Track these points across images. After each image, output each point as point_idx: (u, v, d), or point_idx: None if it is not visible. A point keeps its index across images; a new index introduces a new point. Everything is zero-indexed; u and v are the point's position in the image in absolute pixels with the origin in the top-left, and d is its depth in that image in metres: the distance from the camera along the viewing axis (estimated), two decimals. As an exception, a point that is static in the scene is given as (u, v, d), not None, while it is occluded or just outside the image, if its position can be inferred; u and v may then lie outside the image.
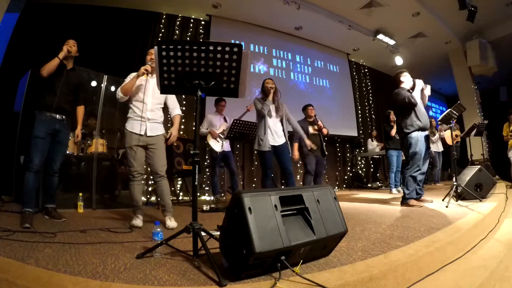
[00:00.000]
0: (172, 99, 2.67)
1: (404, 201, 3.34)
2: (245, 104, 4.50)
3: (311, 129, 4.19)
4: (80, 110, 2.85)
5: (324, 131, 4.23)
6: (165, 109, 2.69)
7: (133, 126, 2.44)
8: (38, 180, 2.54)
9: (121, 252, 1.61)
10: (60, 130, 2.65)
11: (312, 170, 4.10)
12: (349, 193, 6.02)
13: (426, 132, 3.39)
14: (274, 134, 3.21)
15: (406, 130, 3.32)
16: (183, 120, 5.50)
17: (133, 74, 2.54)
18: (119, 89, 2.46)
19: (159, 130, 2.53)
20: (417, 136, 3.27)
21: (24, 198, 2.42)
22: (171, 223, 2.40)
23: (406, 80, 3.47)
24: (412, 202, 3.26)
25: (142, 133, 2.42)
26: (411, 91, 3.36)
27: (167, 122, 3.40)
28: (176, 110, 2.67)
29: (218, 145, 4.16)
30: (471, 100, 7.82)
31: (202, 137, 4.17)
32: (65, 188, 3.46)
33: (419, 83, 3.37)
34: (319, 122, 4.21)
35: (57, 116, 2.62)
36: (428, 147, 3.44)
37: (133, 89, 2.45)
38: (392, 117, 5.29)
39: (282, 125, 3.30)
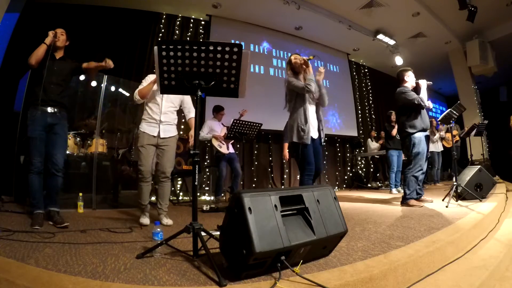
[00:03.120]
0: (188, 103, 2.75)
1: (404, 201, 3.34)
2: (238, 110, 4.64)
3: None
4: (92, 63, 2.67)
5: None
6: (179, 111, 2.77)
7: (147, 127, 2.55)
8: (42, 179, 2.45)
9: (121, 252, 1.61)
10: (54, 123, 2.43)
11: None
12: (349, 193, 6.01)
13: (427, 132, 3.39)
14: (313, 123, 2.73)
15: (410, 130, 3.31)
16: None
17: (150, 77, 2.64)
18: (136, 92, 2.59)
19: (172, 132, 2.63)
20: (420, 137, 3.28)
21: (33, 201, 2.36)
22: (169, 221, 2.56)
23: (410, 79, 3.44)
24: (412, 202, 3.27)
25: (156, 134, 2.54)
26: (419, 93, 3.32)
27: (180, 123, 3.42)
28: (191, 113, 2.74)
29: (224, 148, 4.42)
30: (471, 100, 7.81)
31: (202, 141, 4.32)
32: (65, 188, 3.45)
33: (424, 84, 3.34)
34: None
35: (48, 109, 2.41)
36: (428, 148, 3.44)
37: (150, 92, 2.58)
38: (394, 117, 5.30)
39: (318, 113, 2.81)
